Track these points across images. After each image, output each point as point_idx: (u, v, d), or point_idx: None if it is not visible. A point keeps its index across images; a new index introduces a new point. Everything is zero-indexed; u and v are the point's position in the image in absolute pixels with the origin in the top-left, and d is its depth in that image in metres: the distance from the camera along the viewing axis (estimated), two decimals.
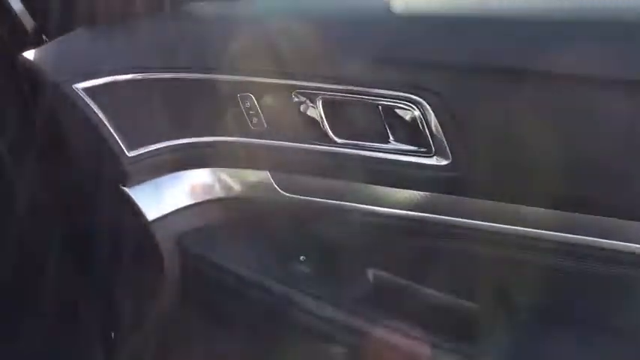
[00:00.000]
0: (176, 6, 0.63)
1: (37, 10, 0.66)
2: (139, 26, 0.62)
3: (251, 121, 0.61)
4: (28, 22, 0.67)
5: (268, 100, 0.59)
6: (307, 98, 0.57)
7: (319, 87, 0.56)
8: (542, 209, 0.52)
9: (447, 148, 0.52)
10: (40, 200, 0.75)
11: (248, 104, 0.60)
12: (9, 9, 0.65)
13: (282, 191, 0.64)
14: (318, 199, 0.62)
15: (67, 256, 0.79)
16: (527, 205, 0.52)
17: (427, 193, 0.56)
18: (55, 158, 0.71)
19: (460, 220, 0.56)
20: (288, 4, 0.62)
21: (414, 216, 0.58)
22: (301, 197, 0.63)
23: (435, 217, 0.57)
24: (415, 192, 0.57)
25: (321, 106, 0.57)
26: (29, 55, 0.59)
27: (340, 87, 0.55)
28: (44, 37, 0.67)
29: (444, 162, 0.53)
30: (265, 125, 0.60)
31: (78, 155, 0.64)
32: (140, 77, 0.60)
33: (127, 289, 0.75)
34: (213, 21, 0.61)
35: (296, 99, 0.57)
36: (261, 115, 0.60)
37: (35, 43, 0.64)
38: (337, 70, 0.55)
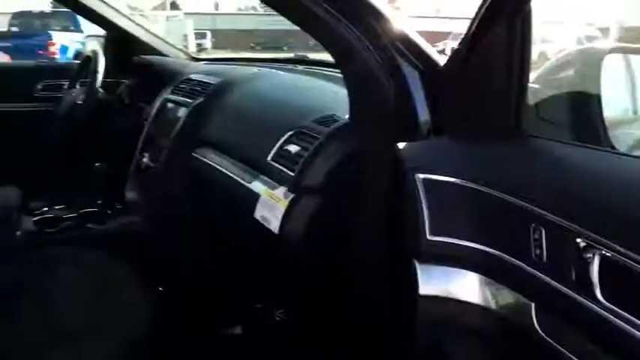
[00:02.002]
0: (521, 138, 0.72)
1: (439, 109, 0.86)
2: (485, 144, 0.74)
3: (535, 253, 0.62)
4: (424, 117, 0.88)
5: (553, 237, 0.60)
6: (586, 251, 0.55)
7: (601, 241, 0.53)
8: None
9: None
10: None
11: (537, 236, 0.62)
12: (408, 104, 0.87)
13: (540, 331, 0.62)
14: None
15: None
16: None
17: None
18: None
19: None
20: None
21: None
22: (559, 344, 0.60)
23: None
24: None
25: (597, 262, 0.54)
26: (402, 145, 0.81)
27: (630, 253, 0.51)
28: (431, 133, 0.86)
29: None
30: (544, 260, 0.61)
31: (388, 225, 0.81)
32: (468, 185, 0.72)
33: None
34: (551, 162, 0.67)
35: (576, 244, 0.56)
36: (544, 249, 0.61)
37: (416, 138, 0.84)
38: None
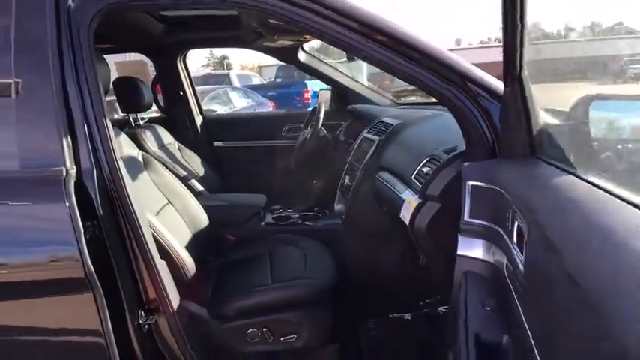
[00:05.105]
0: (531, 159, 1.14)
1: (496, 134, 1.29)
2: (506, 164, 1.19)
3: (507, 226, 1.06)
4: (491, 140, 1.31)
5: (512, 216, 1.04)
6: (516, 222, 0.99)
7: (520, 217, 0.97)
8: None
9: None
10: None
11: (509, 215, 1.06)
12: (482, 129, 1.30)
13: (506, 275, 1.05)
14: None
15: None
16: None
17: None
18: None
19: None
20: None
21: None
22: (509, 280, 1.02)
23: None
24: None
25: (516, 228, 0.97)
26: (465, 164, 1.28)
27: None
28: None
29: None
30: (509, 229, 1.05)
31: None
32: (489, 187, 1.18)
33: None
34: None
35: (513, 218, 1.00)
36: (509, 222, 1.05)
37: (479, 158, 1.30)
38: None
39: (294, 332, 1.69)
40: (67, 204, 1.20)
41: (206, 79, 13.24)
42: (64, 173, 1.24)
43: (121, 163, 1.33)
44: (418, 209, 1.61)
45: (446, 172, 1.57)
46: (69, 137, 1.27)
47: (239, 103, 9.91)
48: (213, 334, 1.64)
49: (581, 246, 0.67)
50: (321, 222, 2.50)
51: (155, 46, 2.93)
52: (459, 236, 1.23)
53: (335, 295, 1.80)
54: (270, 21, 2.05)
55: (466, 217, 1.22)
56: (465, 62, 1.39)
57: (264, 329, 1.66)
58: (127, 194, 1.31)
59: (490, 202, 1.17)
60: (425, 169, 1.72)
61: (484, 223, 1.18)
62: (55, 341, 1.31)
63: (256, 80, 14.90)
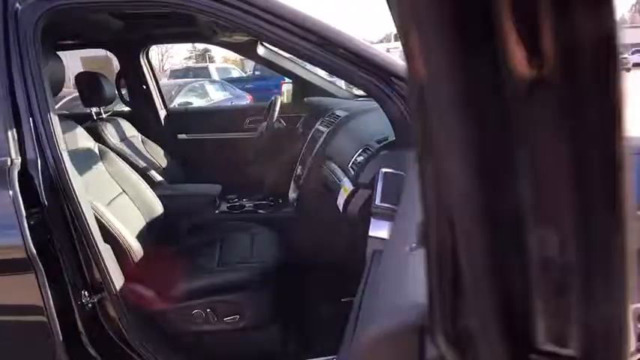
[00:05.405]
0: None
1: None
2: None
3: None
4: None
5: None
6: None
7: None
8: None
9: None
10: None
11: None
12: None
13: None
14: None
15: None
16: None
17: None
18: None
19: None
20: None
21: None
22: None
23: None
24: None
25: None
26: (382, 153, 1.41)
27: None
28: None
29: None
30: None
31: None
32: (396, 172, 1.30)
33: None
34: None
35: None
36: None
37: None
38: None
39: (237, 313, 1.81)
40: (11, 192, 1.30)
41: (186, 72, 13.23)
42: (9, 163, 1.33)
43: (65, 155, 1.44)
44: (351, 196, 1.73)
45: (376, 160, 1.70)
46: (14, 130, 1.37)
47: (216, 96, 9.93)
48: (159, 315, 1.75)
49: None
50: (274, 210, 2.62)
51: (117, 42, 3.00)
52: (371, 219, 1.35)
53: (278, 278, 1.92)
54: None
55: (377, 201, 1.34)
56: (391, 58, 1.52)
57: (209, 310, 1.78)
58: (71, 183, 1.42)
59: (397, 186, 1.30)
60: (359, 158, 1.85)
61: (391, 206, 1.31)
62: (1, 319, 1.41)
63: (235, 73, 14.91)
